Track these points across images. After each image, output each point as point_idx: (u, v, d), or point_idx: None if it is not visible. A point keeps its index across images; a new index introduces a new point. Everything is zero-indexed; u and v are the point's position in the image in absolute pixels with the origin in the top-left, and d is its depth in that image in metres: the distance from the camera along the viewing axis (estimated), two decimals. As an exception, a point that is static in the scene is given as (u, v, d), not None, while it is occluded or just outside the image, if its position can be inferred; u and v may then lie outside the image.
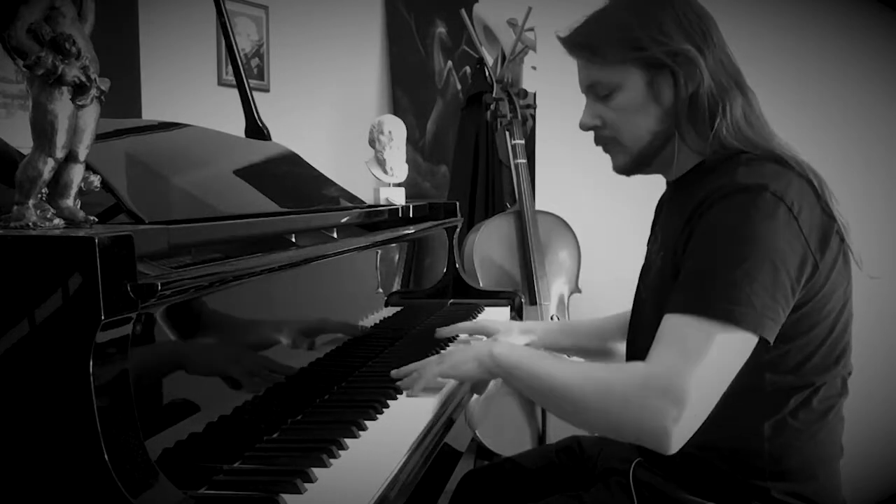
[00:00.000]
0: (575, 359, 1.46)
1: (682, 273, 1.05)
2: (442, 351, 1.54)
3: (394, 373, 1.26)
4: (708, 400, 0.99)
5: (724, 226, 1.02)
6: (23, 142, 0.90)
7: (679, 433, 0.97)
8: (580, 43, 1.16)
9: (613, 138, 1.17)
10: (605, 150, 1.20)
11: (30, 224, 0.80)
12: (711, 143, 1.11)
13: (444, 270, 2.00)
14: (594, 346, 1.52)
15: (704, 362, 0.97)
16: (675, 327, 1.01)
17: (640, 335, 1.22)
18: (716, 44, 1.12)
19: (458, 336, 1.61)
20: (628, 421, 1.00)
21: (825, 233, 1.04)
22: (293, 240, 1.31)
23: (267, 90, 3.17)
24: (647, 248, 1.27)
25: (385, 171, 2.82)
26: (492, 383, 1.29)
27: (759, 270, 0.98)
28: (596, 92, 1.16)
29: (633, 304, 1.26)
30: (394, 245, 1.64)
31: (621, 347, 1.43)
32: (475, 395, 1.35)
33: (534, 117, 2.80)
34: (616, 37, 1.12)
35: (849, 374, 1.14)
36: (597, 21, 1.16)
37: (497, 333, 1.54)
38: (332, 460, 0.95)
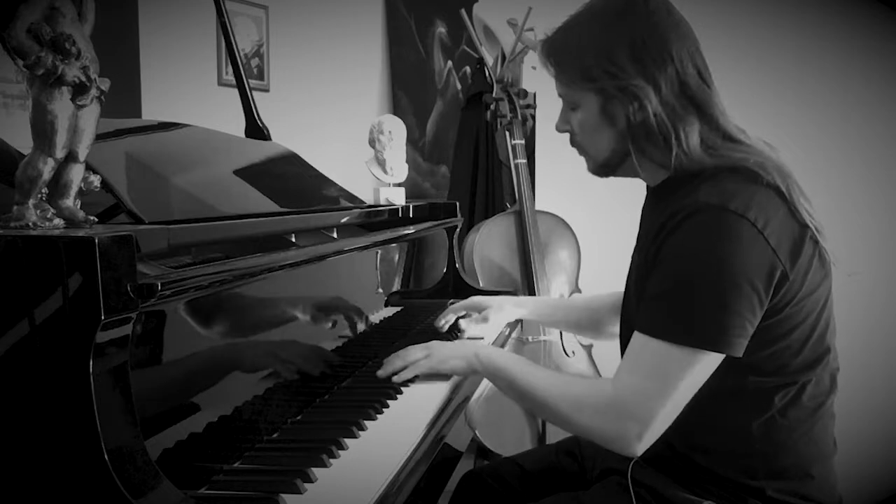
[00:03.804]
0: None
1: (648, 291, 1.08)
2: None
3: (380, 372, 1.30)
4: (671, 414, 1.04)
5: (687, 247, 1.04)
6: (23, 142, 0.90)
7: (643, 445, 1.05)
8: (549, 54, 1.18)
9: (580, 145, 1.21)
10: (579, 153, 1.24)
11: (30, 224, 0.80)
12: (674, 163, 1.11)
13: (444, 270, 2.00)
14: (585, 322, 1.56)
15: (669, 385, 1.02)
16: (642, 349, 1.06)
17: (630, 330, 1.23)
18: (678, 64, 1.09)
19: (459, 326, 1.63)
20: (596, 434, 1.08)
21: (796, 240, 1.05)
22: (293, 240, 1.31)
23: (267, 90, 3.17)
24: (632, 253, 1.28)
25: (385, 171, 2.82)
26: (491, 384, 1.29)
27: (724, 291, 1.00)
28: (564, 101, 1.20)
29: (623, 303, 1.27)
30: (394, 245, 1.64)
31: (611, 326, 1.47)
32: (476, 396, 1.35)
33: (534, 117, 2.80)
34: (573, 61, 1.14)
35: (837, 369, 1.15)
36: (564, 34, 1.17)
37: (489, 308, 1.58)
38: (332, 460, 0.95)
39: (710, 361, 1.03)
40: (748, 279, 1.00)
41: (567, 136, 1.22)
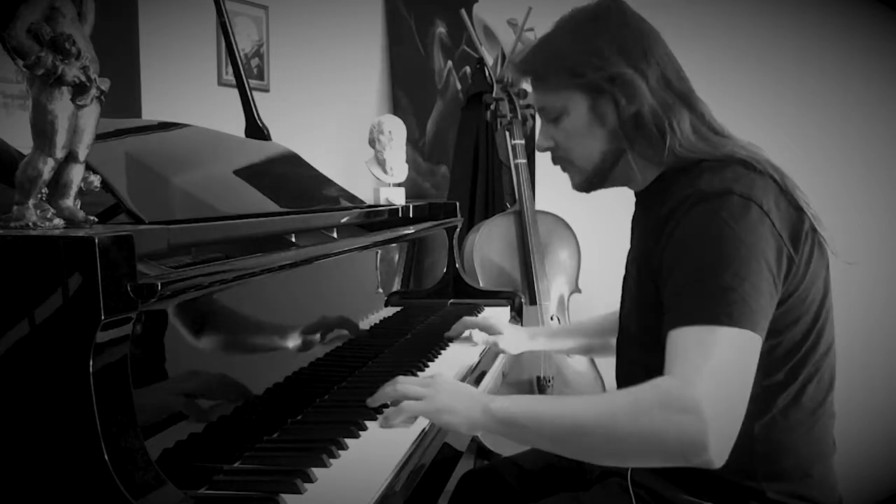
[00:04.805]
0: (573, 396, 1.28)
1: (669, 288, 1.04)
2: (437, 359, 1.53)
3: (369, 401, 1.14)
4: (734, 402, 0.95)
5: (699, 234, 1.02)
6: (23, 142, 0.90)
7: (717, 443, 0.92)
8: (525, 69, 1.20)
9: (566, 159, 1.20)
10: (563, 170, 1.23)
11: (30, 224, 0.80)
12: (667, 157, 1.12)
13: (444, 270, 2.00)
14: (598, 344, 1.54)
15: (717, 367, 0.95)
16: (680, 341, 0.99)
17: (626, 345, 1.24)
18: (658, 62, 1.13)
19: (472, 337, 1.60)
20: (665, 439, 0.94)
21: (796, 226, 1.05)
22: (293, 240, 1.31)
23: (267, 90, 3.16)
24: (626, 263, 1.27)
25: (385, 171, 2.82)
26: (493, 380, 1.29)
27: (747, 271, 0.99)
28: (546, 115, 1.19)
29: (619, 317, 1.27)
30: (394, 245, 1.64)
31: None
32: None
33: (534, 117, 2.80)
34: (556, 64, 1.15)
35: (834, 367, 1.14)
36: (540, 48, 1.19)
37: (500, 336, 1.54)
38: (332, 460, 0.95)
39: (748, 341, 0.97)
40: (765, 259, 1.00)
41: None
